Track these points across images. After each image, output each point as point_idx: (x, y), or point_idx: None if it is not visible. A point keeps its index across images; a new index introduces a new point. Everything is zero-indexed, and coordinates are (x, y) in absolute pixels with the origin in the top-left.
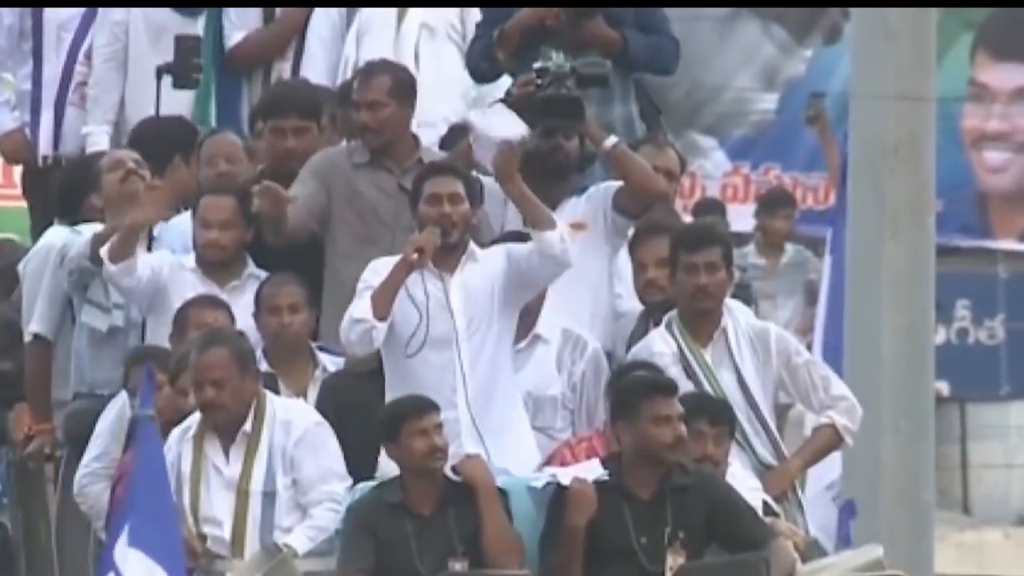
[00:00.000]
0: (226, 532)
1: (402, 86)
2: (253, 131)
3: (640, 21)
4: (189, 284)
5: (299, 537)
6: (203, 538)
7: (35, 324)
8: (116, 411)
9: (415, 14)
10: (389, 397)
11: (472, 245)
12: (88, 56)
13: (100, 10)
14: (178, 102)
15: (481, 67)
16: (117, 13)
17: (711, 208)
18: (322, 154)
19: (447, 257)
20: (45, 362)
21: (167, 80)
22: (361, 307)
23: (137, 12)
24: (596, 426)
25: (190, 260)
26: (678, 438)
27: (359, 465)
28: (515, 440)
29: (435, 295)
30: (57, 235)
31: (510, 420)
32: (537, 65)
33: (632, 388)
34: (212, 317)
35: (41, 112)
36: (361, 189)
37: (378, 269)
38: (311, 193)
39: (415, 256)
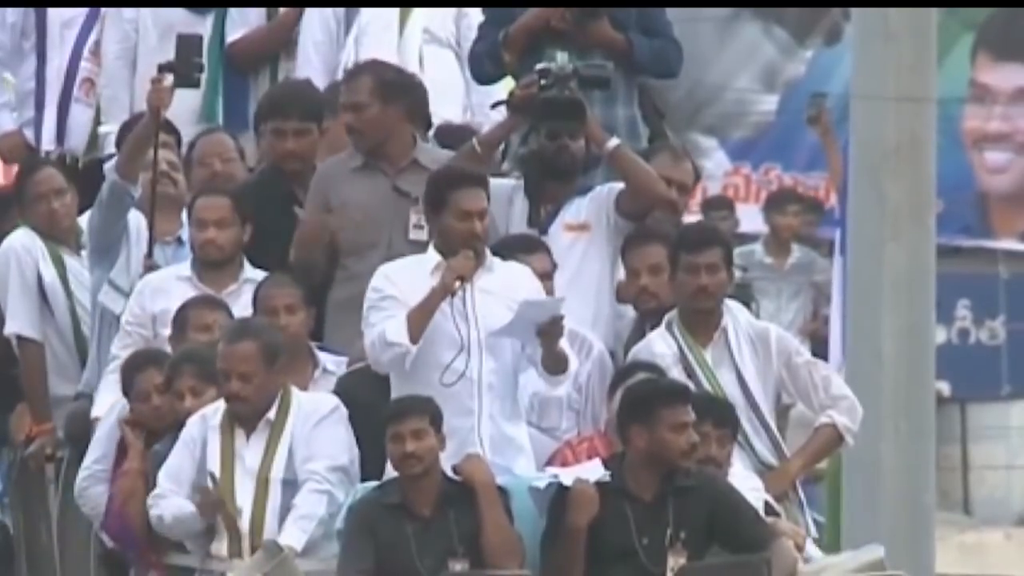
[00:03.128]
0: (245, 522)
1: (387, 86)
2: (258, 131)
3: (643, 25)
4: (183, 293)
5: (293, 533)
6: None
7: (16, 326)
8: (116, 412)
9: (418, 19)
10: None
11: (486, 252)
12: (93, 52)
13: (112, 8)
14: (185, 100)
15: (486, 68)
16: (128, 10)
17: (720, 205)
18: (321, 167)
19: None
20: (38, 362)
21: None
22: (395, 330)
23: (146, 10)
24: (599, 427)
25: (184, 268)
26: (693, 445)
27: (370, 465)
28: (521, 455)
29: (454, 302)
30: (16, 237)
31: (517, 435)
32: (539, 66)
33: (650, 393)
34: (211, 318)
35: (45, 108)
36: (356, 197)
37: (390, 276)
38: (318, 223)
39: (457, 284)
